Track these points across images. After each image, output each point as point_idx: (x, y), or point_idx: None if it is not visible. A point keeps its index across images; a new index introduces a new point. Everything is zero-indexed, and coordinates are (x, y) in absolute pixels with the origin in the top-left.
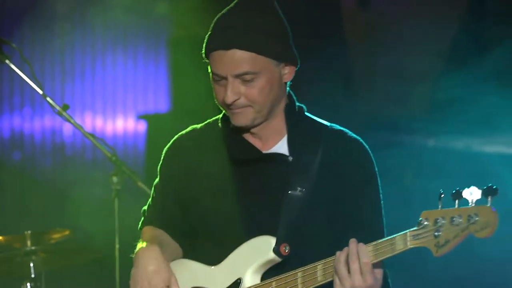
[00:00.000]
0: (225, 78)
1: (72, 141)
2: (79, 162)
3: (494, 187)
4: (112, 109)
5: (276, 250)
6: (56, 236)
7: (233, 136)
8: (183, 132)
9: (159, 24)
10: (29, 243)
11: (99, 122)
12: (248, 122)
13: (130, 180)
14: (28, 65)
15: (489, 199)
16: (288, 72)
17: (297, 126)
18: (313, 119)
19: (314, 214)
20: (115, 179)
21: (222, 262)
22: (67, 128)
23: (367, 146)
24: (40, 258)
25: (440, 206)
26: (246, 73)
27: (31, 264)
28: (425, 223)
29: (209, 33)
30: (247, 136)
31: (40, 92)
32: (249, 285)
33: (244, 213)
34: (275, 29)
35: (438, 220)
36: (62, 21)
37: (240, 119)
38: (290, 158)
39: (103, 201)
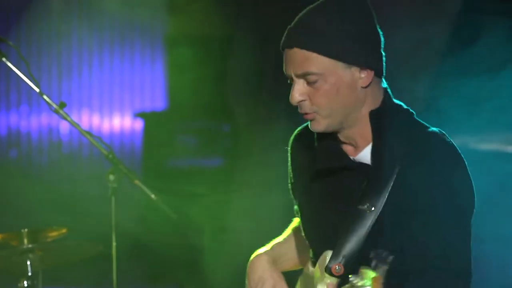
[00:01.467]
0: (292, 79)
1: (69, 139)
2: (76, 160)
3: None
4: (109, 107)
5: (327, 269)
6: (53, 234)
7: (323, 139)
8: (297, 130)
9: (156, 22)
10: (26, 241)
11: (96, 120)
12: (322, 128)
13: (127, 178)
14: (24, 63)
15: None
16: (365, 76)
17: (385, 132)
18: (412, 125)
19: (376, 236)
20: (111, 177)
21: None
22: (64, 126)
23: (460, 166)
24: (37, 256)
25: None
26: (308, 74)
27: (28, 262)
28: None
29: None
30: (339, 141)
31: (37, 90)
32: None
33: (316, 222)
34: (345, 28)
35: None
36: (59, 18)
37: (313, 126)
38: (373, 170)
39: (99, 199)
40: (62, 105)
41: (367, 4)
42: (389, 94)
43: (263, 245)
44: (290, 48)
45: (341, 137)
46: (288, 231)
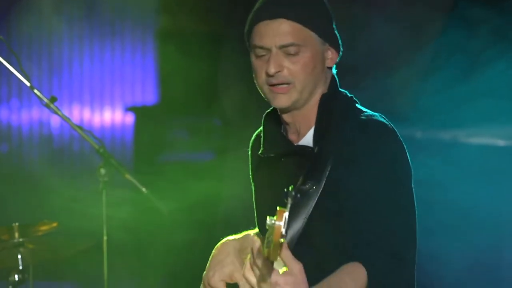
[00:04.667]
0: (269, 51)
1: (60, 133)
2: (67, 154)
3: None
4: (100, 101)
5: None
6: (44, 228)
7: (269, 129)
8: (256, 131)
9: (147, 16)
10: (16, 235)
11: (86, 114)
12: (289, 103)
13: (117, 172)
14: (15, 57)
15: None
16: (331, 57)
17: (327, 117)
18: (354, 110)
19: (318, 214)
20: (102, 171)
21: None
22: (55, 120)
23: (391, 134)
24: (27, 250)
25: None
26: (291, 45)
27: (19, 256)
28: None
29: (255, 7)
30: (284, 130)
31: (28, 84)
32: None
33: (263, 210)
34: (322, 7)
35: None
36: (49, 12)
37: (282, 99)
38: (313, 151)
39: (90, 193)
40: (53, 99)
41: None
42: (335, 80)
43: None
44: (273, 19)
45: (288, 119)
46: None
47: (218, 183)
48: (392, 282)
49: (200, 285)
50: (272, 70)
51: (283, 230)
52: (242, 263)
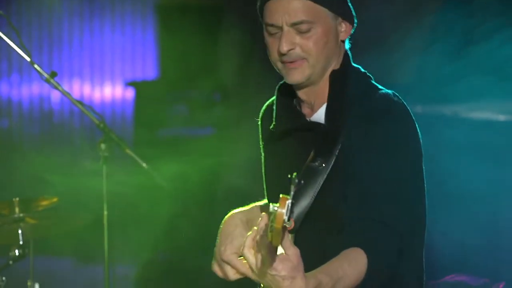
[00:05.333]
0: (281, 29)
1: (60, 108)
2: (67, 129)
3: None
4: (100, 76)
5: None
6: (44, 203)
7: (282, 103)
8: (266, 102)
9: None
10: (17, 210)
11: (87, 89)
12: (304, 78)
13: (118, 147)
14: (15, 32)
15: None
16: (344, 30)
17: (340, 93)
18: (367, 87)
19: (326, 191)
20: (103, 146)
21: None
22: (55, 95)
23: (404, 113)
24: (28, 225)
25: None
26: (302, 22)
27: (19, 231)
28: None
29: None
30: (297, 104)
31: (28, 59)
32: None
33: (273, 184)
34: None
35: None
36: None
37: (296, 75)
38: (325, 129)
39: (91, 168)
40: (53, 74)
41: None
42: (348, 55)
43: None
44: None
45: (302, 96)
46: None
47: (219, 158)
48: (394, 261)
49: (203, 259)
50: (284, 49)
51: (285, 218)
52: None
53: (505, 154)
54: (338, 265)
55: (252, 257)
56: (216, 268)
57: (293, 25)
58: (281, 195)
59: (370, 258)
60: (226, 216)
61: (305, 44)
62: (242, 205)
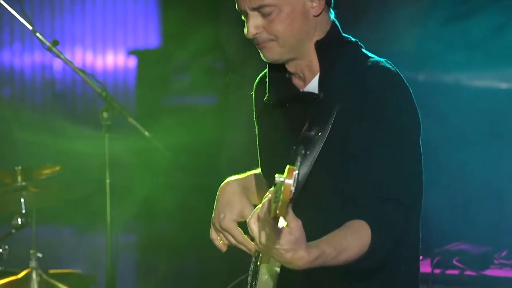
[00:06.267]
0: (246, 14)
1: (62, 77)
2: (69, 97)
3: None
4: (102, 45)
5: None
6: (47, 171)
7: (274, 74)
8: (260, 75)
9: None
10: (19, 178)
11: (89, 58)
12: (276, 57)
13: (120, 116)
14: (17, 1)
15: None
16: (317, 5)
17: (332, 63)
18: (358, 55)
19: (322, 161)
20: (105, 114)
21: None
22: (57, 64)
23: (398, 80)
24: (30, 194)
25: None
26: (262, 6)
27: (22, 200)
28: None
29: None
30: (289, 75)
31: (30, 27)
32: None
33: (268, 155)
34: None
35: None
36: None
37: (267, 54)
38: (319, 97)
39: (93, 136)
40: (55, 43)
41: None
42: (336, 25)
43: None
44: None
45: (290, 69)
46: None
47: (221, 126)
48: (396, 234)
49: (203, 227)
50: (249, 34)
51: (292, 189)
52: (249, 201)
53: (507, 122)
54: (341, 236)
55: (257, 230)
56: (213, 236)
57: (255, 9)
58: (288, 166)
59: (374, 231)
60: (223, 184)
61: (270, 27)
62: (246, 169)
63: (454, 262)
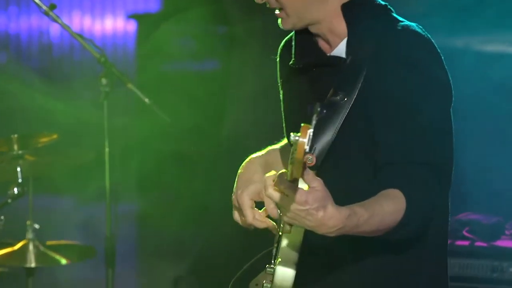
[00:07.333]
0: None
1: (60, 42)
2: (67, 63)
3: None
4: (101, 8)
5: None
6: (44, 139)
7: (300, 38)
8: (285, 38)
9: None
10: (16, 146)
11: (87, 22)
12: (289, 26)
13: (119, 82)
14: None
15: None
16: None
17: (360, 27)
18: (387, 18)
19: (348, 126)
20: (104, 81)
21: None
22: (54, 29)
23: (430, 45)
24: (27, 162)
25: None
26: None
27: (18, 169)
28: None
29: None
30: (316, 39)
31: None
32: None
33: (293, 121)
34: None
35: None
36: None
37: (282, 24)
38: (346, 62)
39: (92, 103)
40: (52, 7)
41: None
42: None
43: (260, 149)
44: None
45: (314, 31)
46: (285, 139)
47: (223, 92)
48: (432, 201)
49: (208, 195)
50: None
51: (306, 148)
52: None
53: None
54: (374, 201)
55: (276, 194)
56: (236, 217)
57: None
58: (302, 124)
59: (409, 198)
60: (245, 162)
61: None
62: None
63: (464, 232)
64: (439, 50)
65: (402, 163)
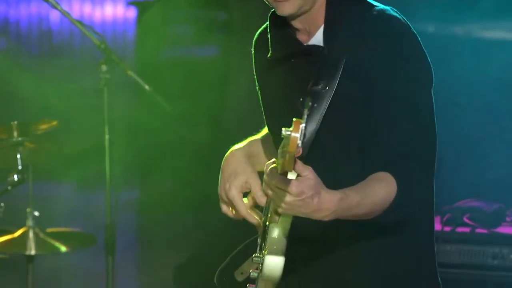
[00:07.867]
0: None
1: (60, 29)
2: (67, 50)
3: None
4: None
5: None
6: (44, 126)
7: (276, 30)
8: (259, 30)
9: None
10: (15, 133)
11: (87, 9)
12: (295, 9)
13: (119, 69)
14: None
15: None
16: None
17: (336, 14)
18: (364, 4)
19: (332, 115)
20: (104, 67)
21: None
22: (54, 15)
23: (406, 29)
24: (27, 149)
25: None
26: None
27: (18, 156)
28: None
29: None
30: (292, 30)
31: None
32: None
33: (275, 113)
34: None
35: None
36: None
37: (285, 7)
38: (325, 51)
39: (91, 90)
40: None
41: None
42: None
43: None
44: None
45: (297, 24)
46: (266, 129)
47: (223, 78)
48: (421, 188)
49: (209, 184)
50: None
51: (299, 142)
52: (254, 169)
53: None
54: (365, 184)
55: (271, 192)
56: (225, 209)
57: None
58: (294, 119)
59: (400, 181)
60: (227, 154)
61: None
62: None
63: (465, 219)
64: (415, 31)
65: (390, 153)
